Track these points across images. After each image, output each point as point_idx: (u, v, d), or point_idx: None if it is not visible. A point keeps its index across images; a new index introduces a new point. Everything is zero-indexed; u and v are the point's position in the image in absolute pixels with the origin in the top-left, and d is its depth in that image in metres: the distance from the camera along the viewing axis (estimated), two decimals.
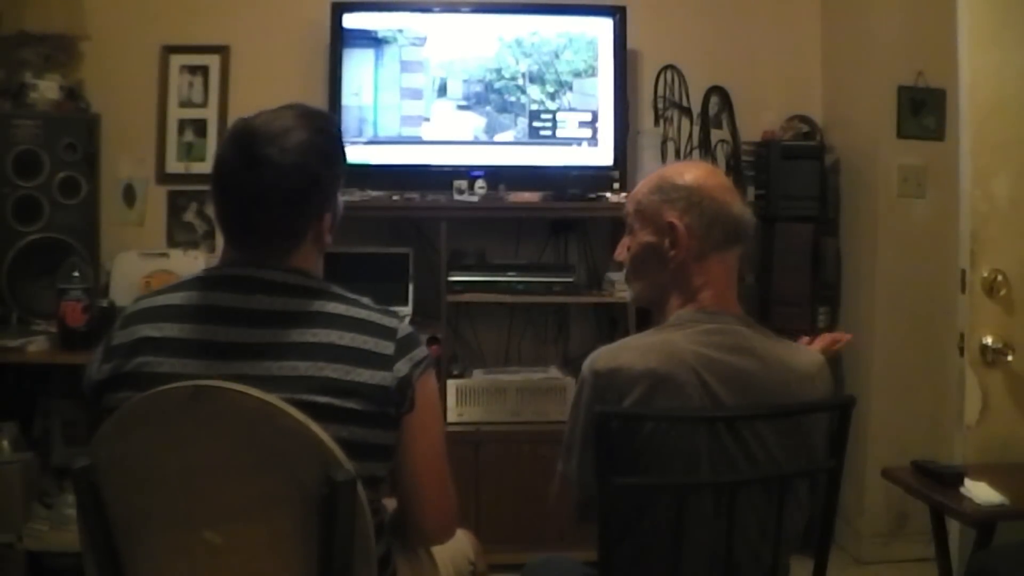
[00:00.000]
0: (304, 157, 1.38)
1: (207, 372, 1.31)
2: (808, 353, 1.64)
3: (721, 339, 1.53)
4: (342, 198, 1.50)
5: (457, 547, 1.74)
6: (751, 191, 3.48)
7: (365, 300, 1.44)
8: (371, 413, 1.35)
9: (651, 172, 1.73)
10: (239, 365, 1.32)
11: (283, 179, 1.37)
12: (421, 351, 1.43)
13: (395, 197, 3.25)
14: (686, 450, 1.48)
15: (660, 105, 3.56)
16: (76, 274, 2.92)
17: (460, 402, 3.16)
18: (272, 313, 1.36)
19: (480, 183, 3.23)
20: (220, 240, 1.48)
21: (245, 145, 1.38)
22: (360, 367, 1.35)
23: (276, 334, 1.35)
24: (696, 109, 3.56)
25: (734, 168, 3.51)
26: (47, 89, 3.21)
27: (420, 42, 3.34)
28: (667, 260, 1.59)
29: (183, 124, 3.48)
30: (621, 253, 1.69)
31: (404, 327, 1.43)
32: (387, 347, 1.38)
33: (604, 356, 1.53)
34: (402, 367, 1.38)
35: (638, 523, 1.53)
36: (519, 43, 3.36)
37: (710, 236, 1.58)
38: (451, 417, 3.13)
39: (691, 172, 1.62)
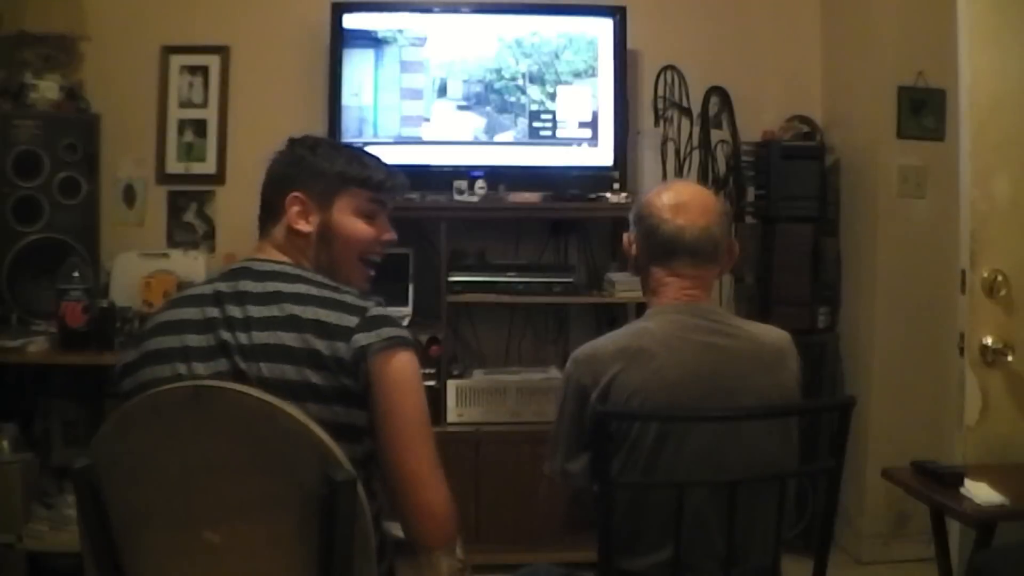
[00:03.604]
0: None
1: (200, 344, 1.40)
2: (776, 329, 1.72)
3: (690, 320, 1.64)
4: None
5: None
6: (751, 191, 3.48)
7: (346, 288, 1.47)
8: (331, 388, 1.36)
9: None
10: (222, 334, 1.40)
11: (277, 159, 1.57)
12: (393, 331, 1.41)
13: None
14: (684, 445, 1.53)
15: (660, 105, 3.56)
16: (76, 274, 2.92)
17: (460, 402, 3.16)
18: (254, 294, 1.43)
19: (480, 183, 3.23)
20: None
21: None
22: (318, 337, 1.37)
23: (247, 310, 1.41)
24: (696, 109, 3.55)
25: (734, 168, 3.51)
26: (47, 89, 3.21)
27: (420, 42, 3.34)
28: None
29: (183, 124, 3.48)
30: None
31: (380, 310, 1.43)
32: (350, 321, 1.39)
33: (582, 348, 1.69)
34: (360, 339, 1.38)
35: (635, 520, 1.55)
36: (519, 43, 3.36)
37: (648, 249, 1.71)
38: (451, 417, 3.13)
39: (663, 191, 1.74)
